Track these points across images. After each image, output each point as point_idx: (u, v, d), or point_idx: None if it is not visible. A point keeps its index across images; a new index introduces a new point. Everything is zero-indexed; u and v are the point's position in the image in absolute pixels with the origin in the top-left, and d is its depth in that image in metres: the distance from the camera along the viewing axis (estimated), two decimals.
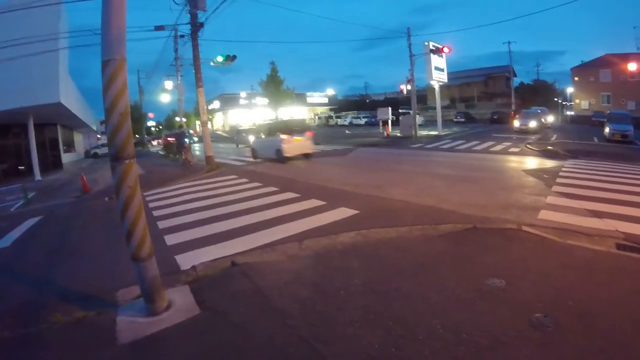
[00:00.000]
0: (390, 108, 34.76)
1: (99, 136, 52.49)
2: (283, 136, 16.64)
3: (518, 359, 2.88)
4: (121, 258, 5.25)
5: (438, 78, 30.27)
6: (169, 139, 46.61)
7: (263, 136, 19.10)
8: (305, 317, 3.59)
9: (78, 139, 41.79)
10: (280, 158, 16.69)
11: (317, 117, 68.40)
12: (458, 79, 59.38)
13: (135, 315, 3.86)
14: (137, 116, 46.10)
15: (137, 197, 3.77)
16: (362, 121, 55.09)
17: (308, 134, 17.78)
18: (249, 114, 63.83)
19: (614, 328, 3.24)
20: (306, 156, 17.57)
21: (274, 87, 43.83)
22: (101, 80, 3.69)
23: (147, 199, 10.41)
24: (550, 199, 8.31)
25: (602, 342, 3.05)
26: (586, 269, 4.54)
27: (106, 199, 11.40)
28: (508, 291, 3.97)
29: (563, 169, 12.51)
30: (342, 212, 7.74)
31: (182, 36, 20.11)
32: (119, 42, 3.72)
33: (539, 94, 65.80)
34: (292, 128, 17.63)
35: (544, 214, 7.18)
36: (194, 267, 5.25)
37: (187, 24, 16.92)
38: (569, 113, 56.50)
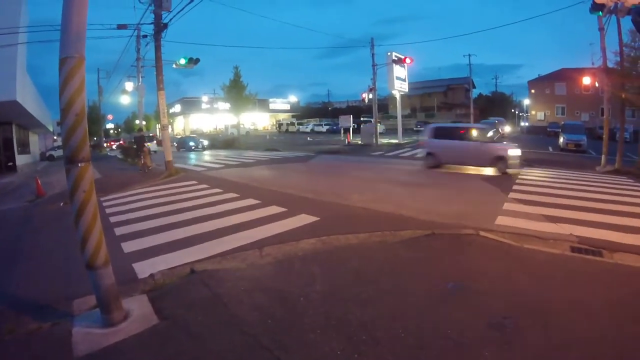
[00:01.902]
0: (352, 116, 35.37)
1: (55, 137, 50.36)
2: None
3: None
4: (77, 266, 5.02)
5: (399, 88, 30.91)
6: (111, 142, 46.56)
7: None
8: (265, 324, 3.54)
9: (34, 139, 39.70)
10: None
11: (279, 123, 68.35)
12: (419, 89, 60.78)
13: (91, 326, 3.68)
14: (95, 117, 44.50)
15: (92, 202, 3.62)
16: (324, 128, 55.52)
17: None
18: (211, 118, 63.01)
19: (570, 326, 3.40)
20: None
21: (237, 92, 43.28)
22: (58, 79, 3.54)
23: (104, 204, 10.04)
24: (507, 205, 8.59)
25: (559, 340, 3.18)
26: (542, 272, 4.72)
27: (61, 203, 10.91)
28: (467, 294, 4.06)
29: (520, 176, 12.98)
30: (303, 219, 7.72)
31: (144, 36, 19.56)
32: (79, 39, 3.58)
33: (497, 105, 68.42)
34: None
35: (501, 220, 7.42)
36: (152, 275, 5.08)
37: (150, 24, 16.49)
38: (525, 124, 58.69)
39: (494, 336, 3.24)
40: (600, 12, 15.37)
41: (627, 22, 15.79)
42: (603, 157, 16.39)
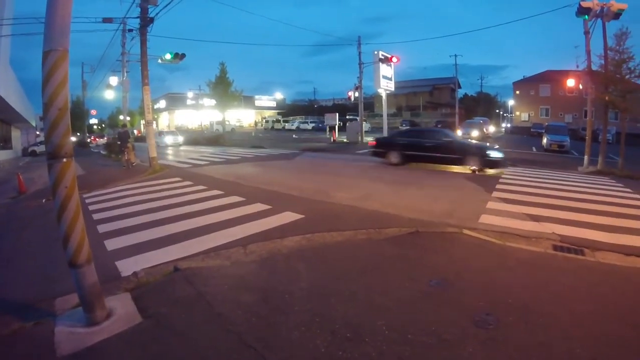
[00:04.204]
0: (337, 114, 35.55)
1: (37, 133, 49.41)
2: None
3: (463, 356, 2.98)
4: (59, 264, 4.94)
5: (385, 86, 31.04)
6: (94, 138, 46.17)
7: None
8: (250, 322, 3.53)
9: (16, 135, 38.90)
10: None
11: (264, 120, 68.18)
12: (405, 88, 61.24)
13: (74, 326, 3.62)
14: (79, 113, 43.83)
15: (74, 198, 3.56)
16: (310, 126, 55.69)
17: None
18: (196, 114, 62.49)
19: (552, 323, 3.46)
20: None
21: (223, 88, 43.04)
22: (41, 73, 3.48)
23: (87, 201, 9.90)
24: (490, 204, 8.69)
25: (542, 336, 3.24)
26: (525, 269, 4.80)
27: (44, 200, 10.74)
28: (451, 292, 4.11)
29: (503, 176, 13.15)
30: (288, 217, 7.70)
31: (130, 30, 19.40)
32: (63, 32, 3.51)
33: (482, 105, 69.26)
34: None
35: (485, 218, 7.51)
36: (135, 274, 5.02)
37: (136, 17, 16.26)
38: (509, 124, 59.47)
39: (477, 332, 3.28)
40: (587, 16, 15.66)
41: (612, 26, 16.13)
42: (586, 157, 16.69)
